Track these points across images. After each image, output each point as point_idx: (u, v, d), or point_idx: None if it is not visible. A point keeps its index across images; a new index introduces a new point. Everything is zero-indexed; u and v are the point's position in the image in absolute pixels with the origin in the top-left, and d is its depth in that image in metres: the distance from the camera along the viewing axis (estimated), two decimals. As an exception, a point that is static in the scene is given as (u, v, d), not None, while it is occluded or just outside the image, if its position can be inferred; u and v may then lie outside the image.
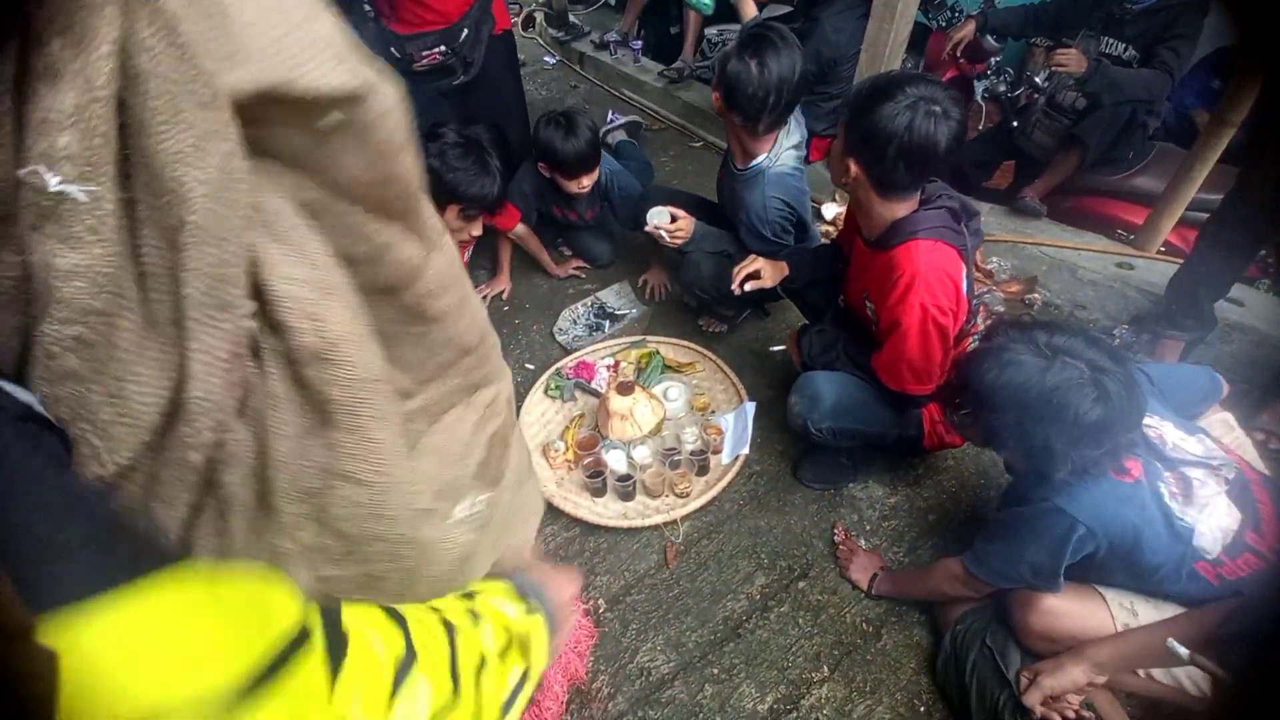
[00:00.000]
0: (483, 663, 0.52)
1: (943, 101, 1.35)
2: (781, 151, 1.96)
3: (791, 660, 1.61)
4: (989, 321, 1.67)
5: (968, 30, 2.76)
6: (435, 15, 2.18)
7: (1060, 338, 1.14)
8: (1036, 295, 2.45)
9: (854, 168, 1.47)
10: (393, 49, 2.22)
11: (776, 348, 2.15)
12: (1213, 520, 1.15)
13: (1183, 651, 1.03)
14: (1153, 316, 2.15)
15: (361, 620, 0.41)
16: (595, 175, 2.37)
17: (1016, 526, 1.25)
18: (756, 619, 1.69)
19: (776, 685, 1.57)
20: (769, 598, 1.73)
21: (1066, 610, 1.26)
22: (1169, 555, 1.15)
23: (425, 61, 2.21)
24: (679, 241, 2.13)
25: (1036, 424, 1.11)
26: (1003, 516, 1.32)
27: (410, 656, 0.42)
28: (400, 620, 0.45)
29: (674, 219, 2.12)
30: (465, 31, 2.22)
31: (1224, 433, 1.39)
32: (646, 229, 2.14)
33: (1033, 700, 1.22)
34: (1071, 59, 2.38)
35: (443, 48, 2.21)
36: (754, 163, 1.98)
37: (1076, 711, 1.21)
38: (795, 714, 1.52)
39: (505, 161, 2.22)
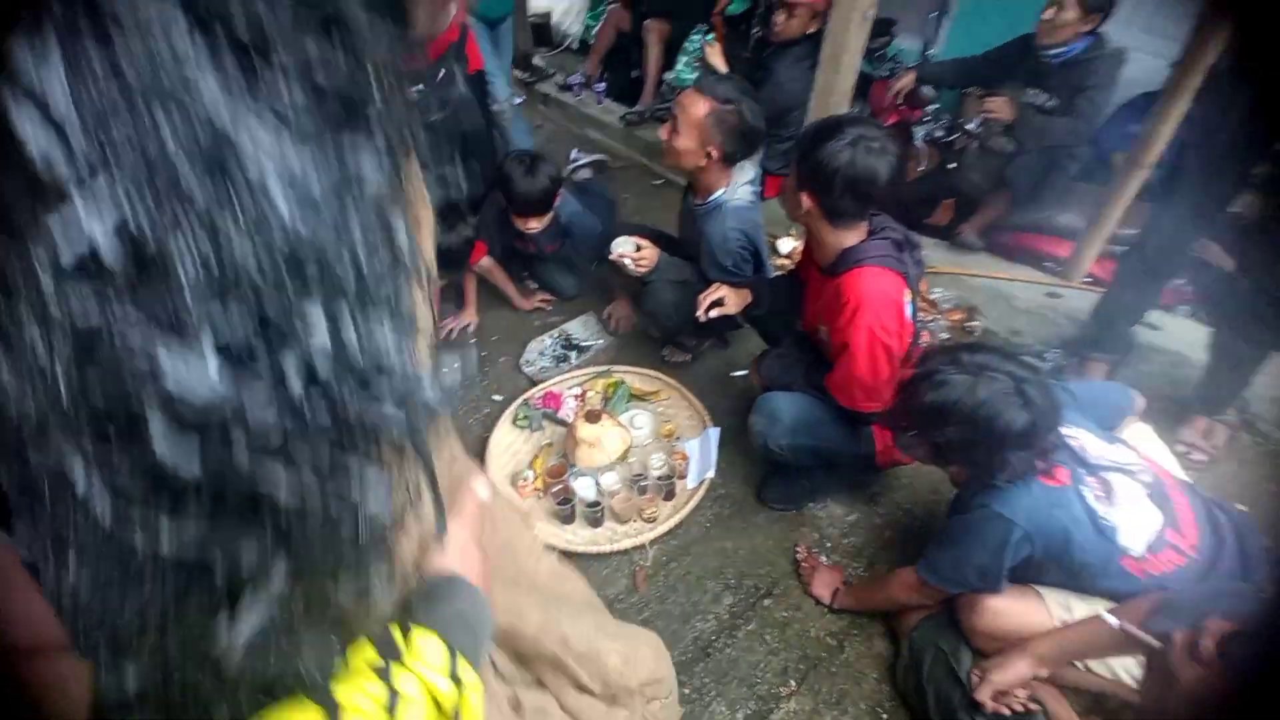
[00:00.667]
0: None
1: (880, 138, 1.50)
2: (737, 187, 2.09)
3: (760, 676, 1.66)
4: (926, 346, 1.80)
5: (907, 80, 3.00)
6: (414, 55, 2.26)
7: (981, 355, 1.27)
8: (976, 323, 2.61)
9: (807, 200, 1.59)
10: None
11: (738, 373, 2.24)
12: (1134, 520, 1.26)
13: (1113, 621, 1.12)
14: (1079, 341, 2.32)
15: None
16: (544, 221, 2.47)
17: (962, 533, 1.34)
18: (725, 638, 1.73)
19: (746, 702, 1.61)
20: (736, 617, 1.78)
21: (1008, 610, 1.35)
22: (1097, 553, 1.26)
23: None
24: (643, 269, 2.22)
25: (972, 435, 1.22)
26: (949, 525, 1.41)
27: None
28: None
29: (639, 248, 2.21)
30: (441, 71, 2.32)
31: (1142, 442, 1.52)
32: (611, 258, 2.22)
33: (983, 695, 1.29)
34: (999, 106, 2.61)
35: (419, 87, 2.29)
36: (713, 197, 2.09)
37: (1024, 704, 1.29)
38: (764, 728, 1.56)
39: (472, 201, 2.31)
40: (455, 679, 0.47)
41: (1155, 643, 0.78)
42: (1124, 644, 1.18)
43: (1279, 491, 2.07)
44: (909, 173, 3.23)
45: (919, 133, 3.14)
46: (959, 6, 4.29)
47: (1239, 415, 2.18)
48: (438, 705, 0.45)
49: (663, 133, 2.04)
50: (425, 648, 0.46)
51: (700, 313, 1.93)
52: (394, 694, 0.43)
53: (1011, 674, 1.26)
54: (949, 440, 1.28)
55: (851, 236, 1.63)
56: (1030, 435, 1.20)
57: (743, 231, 2.10)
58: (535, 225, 2.46)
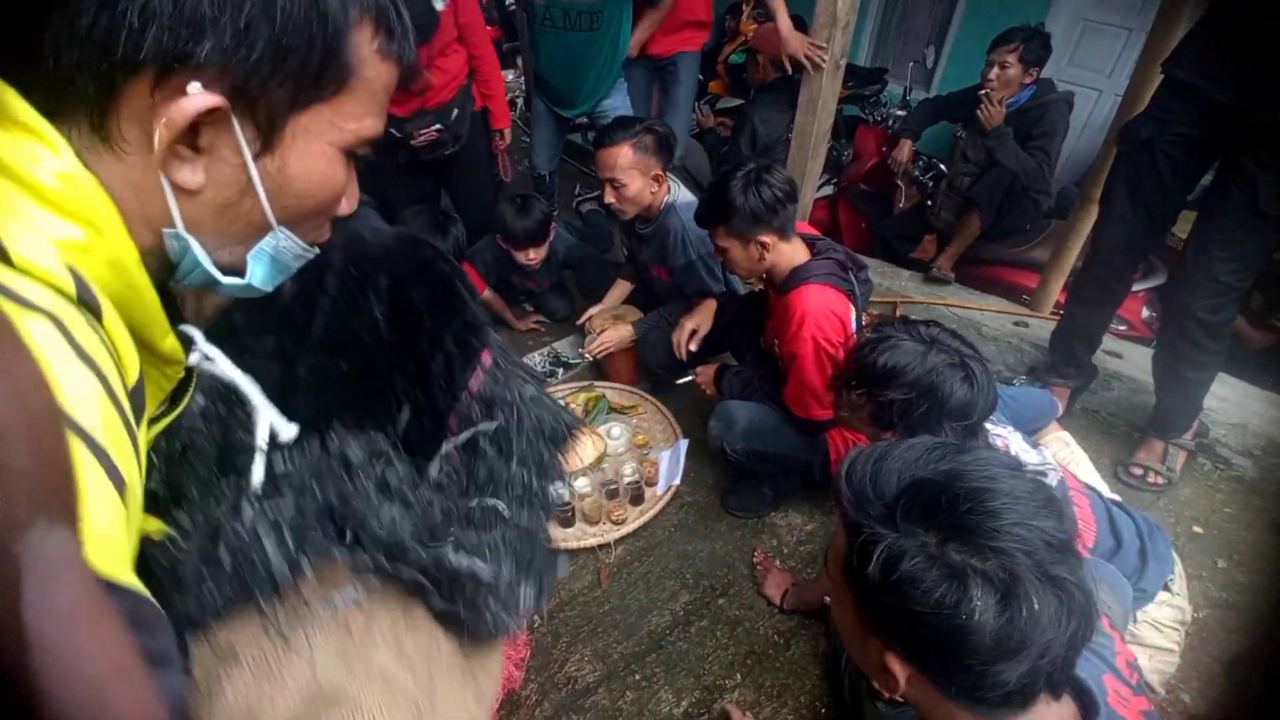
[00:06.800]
0: None
1: (755, 161, 1.73)
2: (677, 190, 2.27)
3: (707, 668, 1.74)
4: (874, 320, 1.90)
5: (908, 150, 3.17)
6: (431, 96, 2.49)
7: (933, 329, 1.33)
8: (948, 350, 2.71)
9: (766, 243, 1.76)
10: (392, 130, 2.51)
11: (682, 380, 2.31)
12: None
13: None
14: (1042, 367, 2.41)
15: None
16: (543, 251, 2.64)
17: None
18: (678, 632, 1.83)
19: (692, 691, 1.69)
20: (691, 613, 1.87)
21: None
22: None
23: (423, 138, 2.51)
24: (609, 346, 2.45)
25: (915, 399, 1.27)
26: None
27: None
28: None
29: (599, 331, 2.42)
30: (455, 110, 2.55)
31: (1060, 448, 1.61)
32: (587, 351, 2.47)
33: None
34: (995, 111, 2.79)
35: (438, 125, 2.51)
36: (661, 207, 2.26)
37: None
38: (707, 716, 1.64)
39: (473, 231, 2.53)
40: None
41: None
42: None
43: (1236, 515, 2.11)
44: (891, 210, 3.39)
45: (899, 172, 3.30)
46: (949, 55, 4.51)
47: (1198, 440, 2.23)
48: None
49: (608, 198, 2.18)
50: None
51: (680, 352, 2.09)
52: None
53: None
54: (892, 402, 1.31)
55: (799, 255, 1.78)
56: (968, 408, 1.25)
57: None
58: (535, 255, 2.62)
